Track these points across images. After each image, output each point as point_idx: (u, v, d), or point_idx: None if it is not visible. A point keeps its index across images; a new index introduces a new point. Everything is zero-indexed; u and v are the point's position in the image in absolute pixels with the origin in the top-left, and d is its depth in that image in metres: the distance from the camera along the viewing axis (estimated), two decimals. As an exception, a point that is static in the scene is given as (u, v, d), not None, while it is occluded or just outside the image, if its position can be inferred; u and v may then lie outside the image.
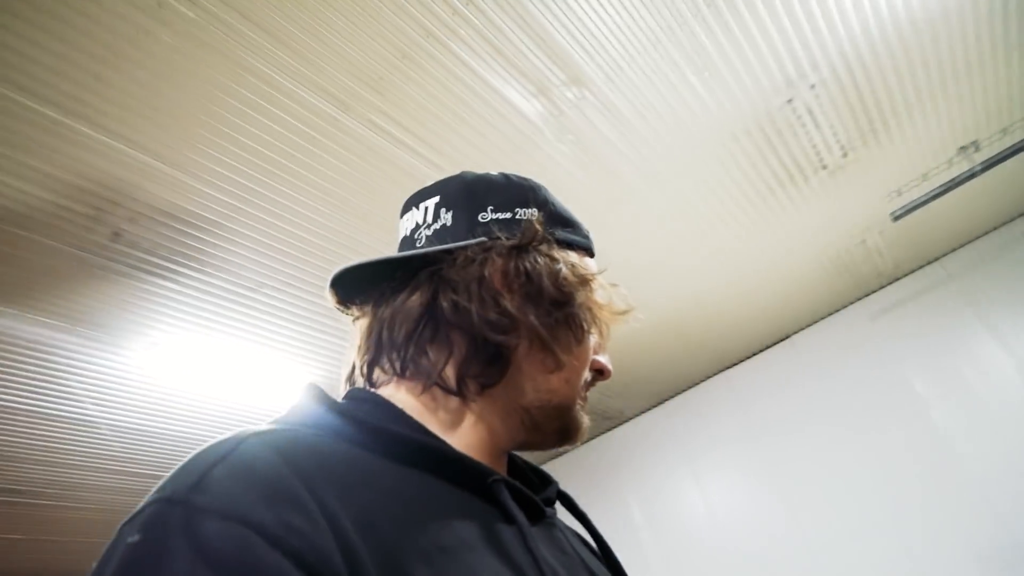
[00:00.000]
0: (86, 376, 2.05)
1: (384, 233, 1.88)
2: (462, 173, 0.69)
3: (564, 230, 0.66)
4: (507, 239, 0.62)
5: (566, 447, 0.64)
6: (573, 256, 0.65)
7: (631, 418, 3.40)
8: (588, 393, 0.66)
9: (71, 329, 1.88)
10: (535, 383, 0.61)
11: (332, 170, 1.68)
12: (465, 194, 0.66)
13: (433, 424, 0.59)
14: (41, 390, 2.05)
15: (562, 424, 0.63)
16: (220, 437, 0.47)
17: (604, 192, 1.98)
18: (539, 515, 0.59)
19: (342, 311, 0.66)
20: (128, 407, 2.21)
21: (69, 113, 1.37)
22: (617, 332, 0.66)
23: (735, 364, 3.18)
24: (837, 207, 2.31)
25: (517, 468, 0.67)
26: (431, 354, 0.60)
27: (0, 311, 1.75)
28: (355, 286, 0.64)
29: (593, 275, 0.65)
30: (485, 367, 0.60)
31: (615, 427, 3.44)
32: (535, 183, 0.69)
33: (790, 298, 2.78)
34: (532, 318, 0.60)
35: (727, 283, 2.56)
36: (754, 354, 3.14)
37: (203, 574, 0.37)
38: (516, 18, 1.45)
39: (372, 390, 0.62)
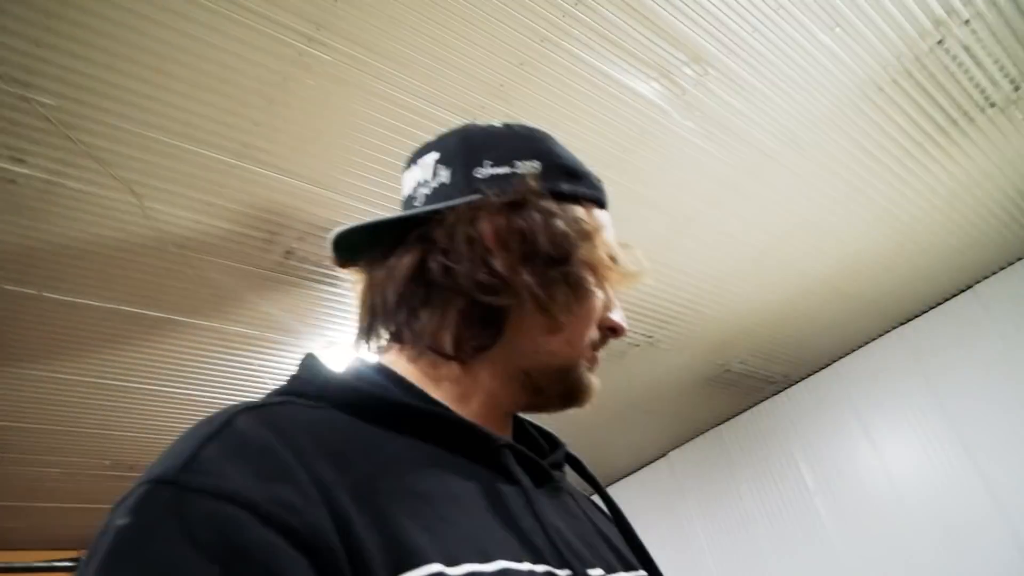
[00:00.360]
0: (278, 374, 2.33)
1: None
2: (464, 125, 0.66)
3: (569, 182, 0.62)
4: (499, 196, 0.58)
5: (575, 408, 0.62)
6: (579, 211, 0.61)
7: (797, 381, 3.29)
8: (599, 352, 0.63)
9: (262, 335, 2.15)
10: (535, 345, 0.58)
11: (468, 174, 1.78)
12: (463, 148, 0.62)
13: (433, 389, 0.57)
14: (242, 387, 2.36)
15: (566, 386, 0.61)
16: (211, 414, 0.47)
17: (739, 162, 1.93)
18: (546, 479, 0.58)
19: (344, 273, 0.65)
20: (315, 400, 2.49)
21: (238, 156, 1.57)
22: (765, 298, 0.59)
23: (910, 320, 2.97)
24: (1013, 145, 2.09)
25: (525, 432, 0.66)
26: (424, 318, 0.58)
27: (204, 324, 2.04)
28: (353, 249, 0.63)
29: (596, 229, 0.60)
30: (480, 330, 0.57)
31: (781, 391, 3.34)
32: (540, 133, 0.64)
33: (968, 247, 2.54)
34: (526, 277, 0.56)
35: (891, 238, 2.39)
36: (931, 307, 2.91)
37: (193, 556, 0.36)
38: (627, 8, 1.46)
39: (375, 357, 0.61)
